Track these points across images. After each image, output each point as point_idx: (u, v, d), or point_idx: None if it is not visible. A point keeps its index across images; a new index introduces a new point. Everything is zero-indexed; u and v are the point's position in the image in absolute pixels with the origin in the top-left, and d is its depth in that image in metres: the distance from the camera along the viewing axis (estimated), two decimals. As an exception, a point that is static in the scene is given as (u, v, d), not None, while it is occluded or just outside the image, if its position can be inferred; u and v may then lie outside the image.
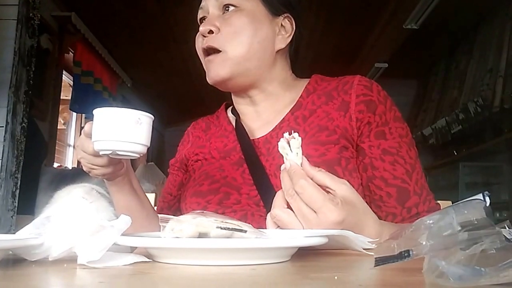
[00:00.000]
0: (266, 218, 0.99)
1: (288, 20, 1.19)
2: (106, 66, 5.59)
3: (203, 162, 1.24)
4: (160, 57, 5.74)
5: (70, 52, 4.82)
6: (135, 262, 0.61)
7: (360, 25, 5.08)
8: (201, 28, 1.13)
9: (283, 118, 1.18)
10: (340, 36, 5.25)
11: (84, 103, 4.84)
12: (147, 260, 0.63)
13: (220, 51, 1.11)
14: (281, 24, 1.18)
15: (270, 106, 1.22)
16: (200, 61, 1.20)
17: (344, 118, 1.09)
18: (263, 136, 1.18)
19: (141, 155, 0.91)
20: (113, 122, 0.87)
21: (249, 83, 1.17)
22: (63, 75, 4.82)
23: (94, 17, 4.76)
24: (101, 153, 0.91)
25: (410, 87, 6.90)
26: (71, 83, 4.92)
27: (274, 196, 0.96)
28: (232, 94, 1.26)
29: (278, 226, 0.82)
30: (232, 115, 1.31)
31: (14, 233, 0.69)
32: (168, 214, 1.22)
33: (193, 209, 1.11)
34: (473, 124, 4.82)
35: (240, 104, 1.26)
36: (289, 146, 0.82)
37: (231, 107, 1.35)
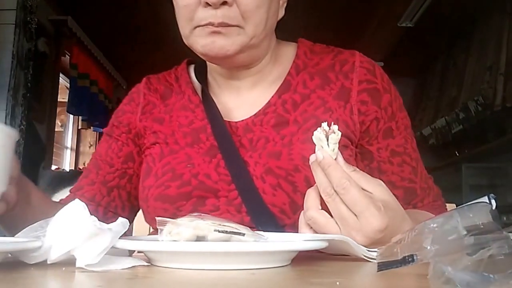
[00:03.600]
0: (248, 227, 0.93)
1: None
2: (102, 68, 5.62)
3: (162, 147, 1.00)
4: (154, 58, 5.74)
5: (67, 55, 4.84)
6: (133, 266, 0.60)
7: (354, 23, 5.03)
8: None
9: (269, 102, 0.99)
10: (333, 35, 5.19)
11: (80, 105, 4.87)
12: (145, 263, 0.62)
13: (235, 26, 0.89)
14: None
15: (254, 81, 1.02)
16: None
17: (344, 110, 0.95)
18: (243, 121, 0.98)
19: None
20: None
21: (249, 62, 0.98)
22: (60, 78, 4.83)
23: (89, 21, 4.78)
24: None
25: (407, 86, 6.75)
26: (68, 85, 4.93)
27: (259, 204, 0.89)
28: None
29: (311, 228, 0.74)
30: (198, 82, 1.06)
31: (12, 236, 0.68)
32: (101, 191, 1.03)
33: (159, 215, 0.90)
34: (475, 124, 4.71)
35: (218, 73, 1.04)
36: (327, 139, 0.73)
37: (193, 65, 1.10)
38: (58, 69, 4.66)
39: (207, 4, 0.86)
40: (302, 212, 0.76)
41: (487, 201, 0.51)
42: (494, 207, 0.51)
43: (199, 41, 0.90)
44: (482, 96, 4.49)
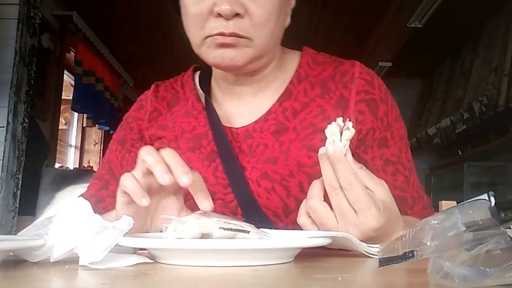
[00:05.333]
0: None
1: None
2: (108, 65, 5.61)
3: None
4: (163, 56, 5.74)
5: (72, 52, 4.82)
6: (137, 263, 0.60)
7: (364, 24, 5.07)
8: (223, 7, 0.86)
9: (270, 109, 1.00)
10: (343, 35, 5.25)
11: (85, 103, 4.87)
12: (150, 261, 0.62)
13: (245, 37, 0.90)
14: None
15: (257, 88, 1.03)
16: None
17: None
18: (243, 127, 1.00)
19: None
20: None
21: (255, 70, 0.99)
22: (65, 75, 4.82)
23: (95, 16, 4.76)
24: None
25: (415, 86, 6.88)
26: (73, 82, 4.93)
27: (254, 206, 0.92)
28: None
29: (310, 217, 0.76)
30: (201, 90, 1.07)
31: (15, 234, 0.69)
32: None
33: None
34: (478, 124, 4.78)
35: (222, 79, 1.04)
36: (340, 134, 0.74)
37: (199, 72, 1.12)
38: (62, 66, 4.65)
39: (219, 15, 0.87)
40: (305, 200, 0.77)
41: (487, 198, 0.52)
42: (493, 204, 0.51)
43: (210, 53, 0.91)
44: (486, 96, 4.56)
